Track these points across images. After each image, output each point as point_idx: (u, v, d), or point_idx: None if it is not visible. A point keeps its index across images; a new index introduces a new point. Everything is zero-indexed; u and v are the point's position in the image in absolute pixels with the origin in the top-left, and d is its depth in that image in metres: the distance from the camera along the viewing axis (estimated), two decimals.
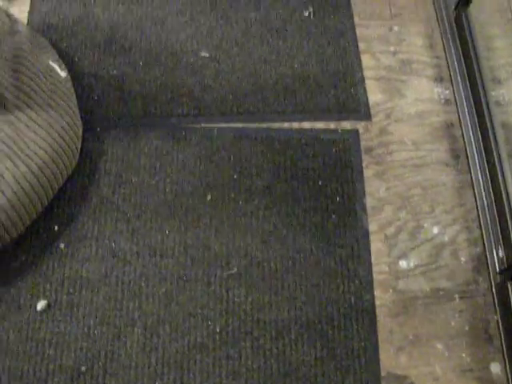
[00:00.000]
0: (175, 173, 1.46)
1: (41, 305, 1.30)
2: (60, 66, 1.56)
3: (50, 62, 1.54)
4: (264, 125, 1.54)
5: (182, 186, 1.45)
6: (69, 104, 1.45)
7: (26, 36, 1.53)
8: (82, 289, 1.32)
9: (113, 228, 1.39)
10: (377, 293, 1.37)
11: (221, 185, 1.45)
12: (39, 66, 1.48)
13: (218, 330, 1.30)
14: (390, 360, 1.31)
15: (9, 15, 1.53)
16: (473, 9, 1.72)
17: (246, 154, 1.49)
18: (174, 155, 1.48)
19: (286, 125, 1.55)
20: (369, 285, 1.37)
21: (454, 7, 1.76)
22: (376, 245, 1.42)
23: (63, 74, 1.54)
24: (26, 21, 1.70)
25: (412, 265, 1.41)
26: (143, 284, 1.34)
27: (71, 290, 1.32)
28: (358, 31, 1.70)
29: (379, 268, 1.40)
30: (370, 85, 1.62)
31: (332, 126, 1.55)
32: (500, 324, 1.37)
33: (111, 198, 1.43)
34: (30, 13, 1.72)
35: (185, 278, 1.34)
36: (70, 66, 1.61)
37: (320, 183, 1.46)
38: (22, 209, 1.28)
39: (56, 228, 1.39)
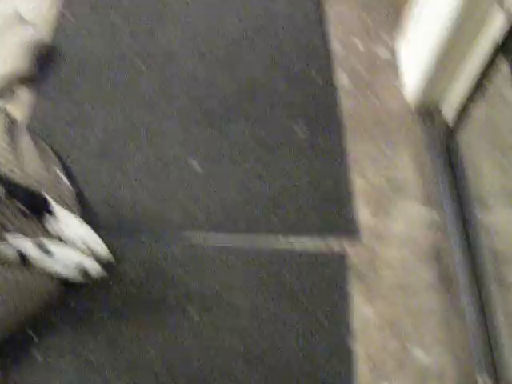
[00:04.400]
0: (160, 285, 1.51)
1: None
2: (66, 177, 1.65)
3: (57, 171, 1.63)
4: (252, 242, 1.61)
5: (166, 298, 1.49)
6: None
7: (28, 141, 1.63)
8: None
9: (92, 340, 1.42)
10: None
11: (206, 301, 1.50)
12: (49, 175, 1.57)
13: None
14: None
15: (8, 115, 1.64)
16: (462, 135, 1.86)
17: (233, 270, 1.55)
18: (161, 268, 1.54)
19: (275, 243, 1.62)
20: None
21: (443, 133, 1.90)
22: (361, 370, 1.45)
23: (71, 186, 1.63)
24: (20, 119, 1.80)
25: None
26: None
27: None
28: (349, 151, 1.82)
29: None
30: (359, 205, 1.71)
31: (320, 245, 1.62)
32: None
33: (93, 308, 1.47)
34: (27, 114, 1.84)
35: None
36: (62, 170, 1.70)
37: (306, 304, 1.51)
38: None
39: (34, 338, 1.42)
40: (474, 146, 1.92)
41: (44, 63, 1.96)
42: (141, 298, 1.49)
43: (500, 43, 1.55)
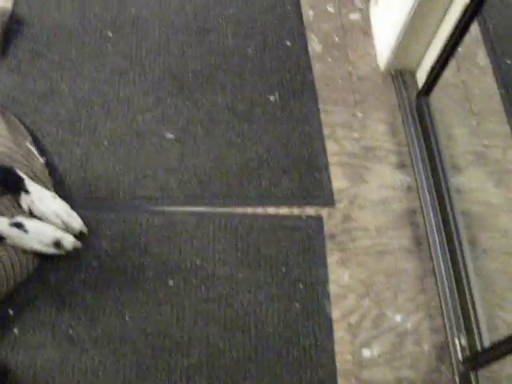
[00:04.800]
0: (137, 256, 1.51)
1: None
2: (37, 150, 1.62)
3: (28, 145, 1.61)
4: (228, 209, 1.62)
5: (143, 269, 1.49)
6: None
7: None
8: (35, 376, 1.34)
9: (70, 313, 1.42)
10: (340, 382, 1.42)
11: (184, 270, 1.50)
12: (20, 150, 1.54)
13: None
14: None
15: None
16: (433, 98, 1.87)
17: (209, 240, 1.55)
18: (137, 239, 1.54)
19: (249, 210, 1.63)
20: (332, 375, 1.42)
21: (415, 96, 1.91)
22: (339, 333, 1.48)
23: (42, 159, 1.60)
24: None
25: (375, 353, 1.47)
26: (100, 373, 1.36)
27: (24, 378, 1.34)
28: (322, 117, 1.82)
29: (342, 357, 1.45)
30: (333, 171, 1.72)
31: (296, 211, 1.64)
32: None
33: (70, 282, 1.47)
34: None
35: (144, 367, 1.37)
36: (33, 143, 1.67)
37: (283, 270, 1.53)
38: None
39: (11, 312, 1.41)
40: (445, 108, 1.94)
41: (8, 34, 1.91)
42: (118, 270, 1.49)
43: (470, 4, 1.56)
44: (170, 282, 1.48)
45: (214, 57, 1.93)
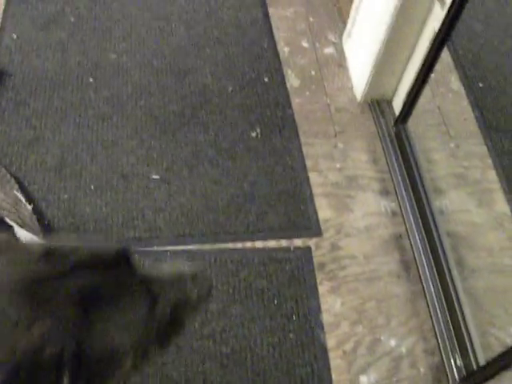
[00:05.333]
0: None
1: None
2: (25, 197, 1.63)
3: (15, 192, 1.62)
4: (217, 246, 1.63)
5: None
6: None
7: None
8: None
9: None
10: None
11: None
12: (7, 198, 1.55)
13: None
14: None
15: None
16: (411, 124, 1.92)
17: None
18: None
19: (239, 245, 1.64)
20: None
21: (393, 123, 1.96)
22: (335, 362, 1.48)
23: (29, 206, 1.61)
24: None
25: (372, 380, 1.48)
26: None
27: None
28: (304, 149, 1.86)
29: None
30: (319, 201, 1.75)
31: (284, 244, 1.66)
32: None
33: None
34: None
35: None
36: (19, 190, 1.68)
37: (276, 302, 1.54)
38: None
39: None
40: (423, 134, 1.99)
41: None
42: None
43: (439, 33, 1.61)
44: None
45: (194, 97, 1.96)
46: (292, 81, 2.04)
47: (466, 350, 1.53)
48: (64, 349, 0.59)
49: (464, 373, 1.50)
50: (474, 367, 1.48)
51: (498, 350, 1.46)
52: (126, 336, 0.64)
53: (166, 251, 1.61)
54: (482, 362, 1.48)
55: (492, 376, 1.39)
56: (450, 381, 1.51)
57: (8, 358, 0.58)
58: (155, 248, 1.62)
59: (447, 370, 1.52)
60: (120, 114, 1.91)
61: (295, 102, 1.97)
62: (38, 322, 0.60)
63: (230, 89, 1.99)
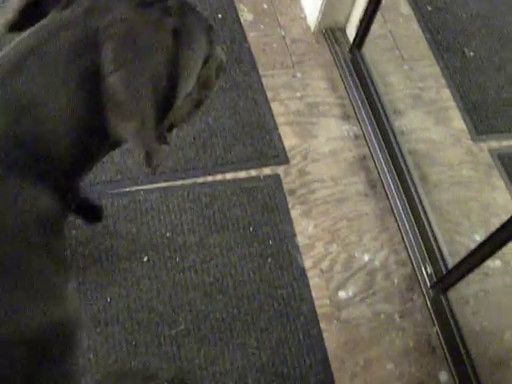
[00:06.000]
0: (108, 239, 1.53)
1: None
2: None
3: None
4: (188, 181, 1.65)
5: (116, 251, 1.51)
6: None
7: None
8: None
9: None
10: (323, 326, 1.48)
11: (155, 244, 1.53)
12: None
13: None
14: None
15: None
16: (366, 50, 1.95)
17: (176, 212, 1.59)
18: (105, 222, 1.55)
19: (209, 178, 1.66)
20: (314, 320, 1.49)
21: (348, 50, 1.98)
22: (314, 280, 1.54)
23: None
24: None
25: (351, 294, 1.55)
26: (92, 357, 1.38)
27: None
28: (264, 81, 1.87)
29: (321, 302, 1.51)
30: (283, 130, 1.78)
31: (254, 173, 1.68)
32: (440, 335, 1.52)
33: None
34: None
35: (134, 343, 1.40)
36: None
37: (251, 230, 1.58)
38: None
39: None
40: (378, 58, 2.02)
41: None
42: (91, 256, 1.51)
43: None
44: (145, 258, 1.51)
45: None
46: (245, 15, 2.03)
47: (435, 258, 1.61)
48: None
49: (434, 279, 1.58)
50: (444, 273, 1.56)
51: (464, 255, 1.54)
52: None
53: (139, 191, 1.62)
54: (450, 267, 1.56)
55: (460, 278, 1.47)
56: (423, 288, 1.59)
57: None
58: (128, 189, 1.62)
59: (419, 279, 1.60)
60: None
61: (250, 35, 1.97)
62: None
63: None
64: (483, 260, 1.36)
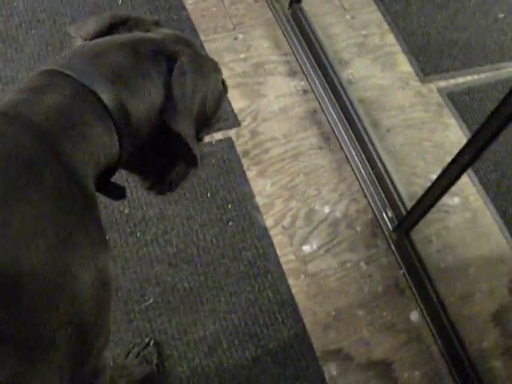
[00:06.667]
0: None
1: None
2: None
3: None
4: None
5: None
6: None
7: None
8: None
9: None
10: (291, 281, 1.49)
11: (114, 222, 1.51)
12: None
13: None
14: (321, 340, 1.43)
15: None
16: (305, 4, 1.93)
17: (131, 187, 1.56)
18: None
19: None
20: (281, 277, 1.49)
21: (287, 6, 1.96)
22: (277, 238, 1.54)
23: None
24: None
25: (315, 247, 1.55)
26: None
27: None
28: (206, 46, 1.84)
29: (286, 258, 1.52)
30: (231, 93, 1.75)
31: (205, 139, 1.66)
32: (407, 276, 1.54)
33: None
34: None
35: None
36: None
37: (209, 195, 1.57)
38: None
39: None
40: (318, 11, 2.00)
41: None
42: None
43: None
44: (126, 231, 1.49)
45: None
46: None
47: (395, 201, 1.62)
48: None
49: (396, 222, 1.59)
50: (404, 214, 1.57)
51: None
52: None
53: None
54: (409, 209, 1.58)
55: (419, 218, 1.48)
56: (385, 232, 1.60)
57: None
58: None
59: (381, 224, 1.62)
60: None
61: (188, 2, 1.93)
62: None
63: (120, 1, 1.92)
64: (439, 197, 1.37)
